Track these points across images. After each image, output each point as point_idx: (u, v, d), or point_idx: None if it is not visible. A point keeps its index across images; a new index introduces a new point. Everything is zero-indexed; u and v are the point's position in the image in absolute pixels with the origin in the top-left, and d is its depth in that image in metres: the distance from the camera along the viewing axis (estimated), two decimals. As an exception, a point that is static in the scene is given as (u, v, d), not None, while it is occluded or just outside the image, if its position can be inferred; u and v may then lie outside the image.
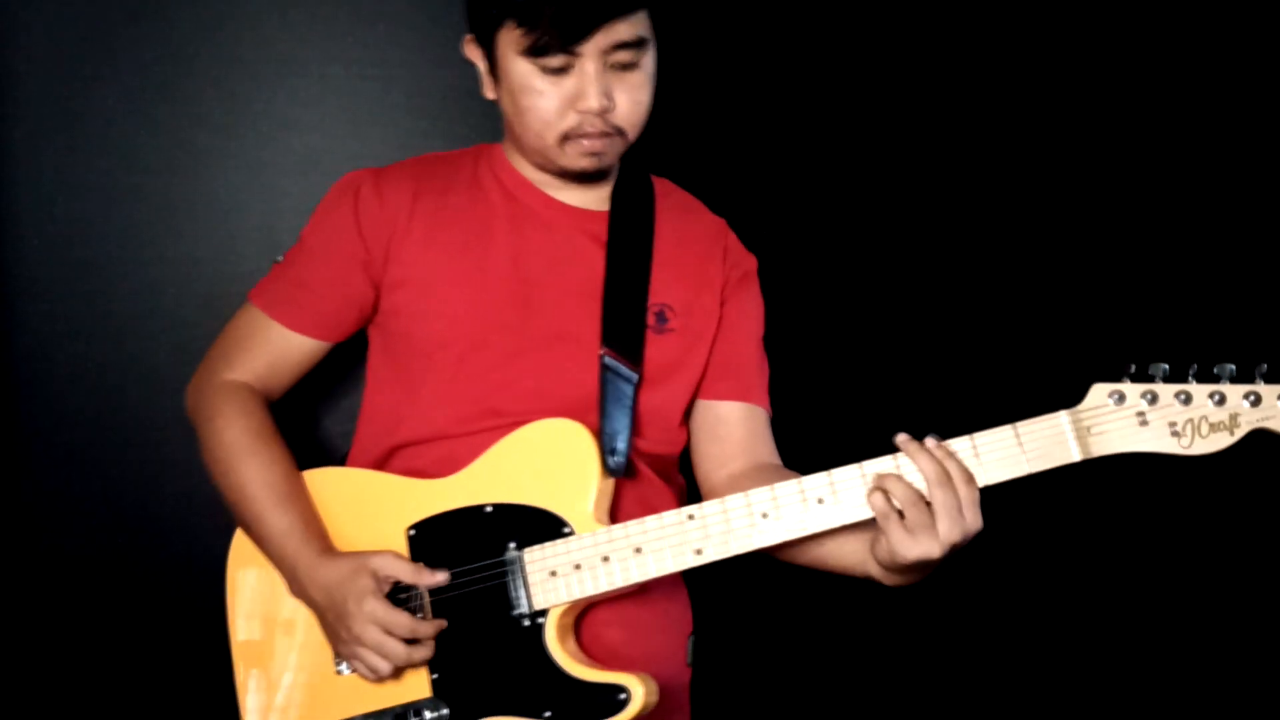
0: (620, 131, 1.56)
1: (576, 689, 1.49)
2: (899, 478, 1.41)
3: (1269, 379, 1.36)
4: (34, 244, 1.89)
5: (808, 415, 1.79)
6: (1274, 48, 2.06)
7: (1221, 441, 1.36)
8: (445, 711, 1.52)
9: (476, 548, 1.54)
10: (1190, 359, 1.37)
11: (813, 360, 2.01)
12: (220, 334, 1.69)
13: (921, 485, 1.41)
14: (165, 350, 1.89)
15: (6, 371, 1.89)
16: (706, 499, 1.55)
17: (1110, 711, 2.10)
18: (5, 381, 1.89)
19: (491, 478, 1.55)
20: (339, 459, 1.69)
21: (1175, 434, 1.37)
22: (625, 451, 1.56)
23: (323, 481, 1.62)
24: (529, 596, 1.51)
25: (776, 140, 2.08)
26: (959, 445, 1.42)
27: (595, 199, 1.67)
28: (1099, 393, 1.39)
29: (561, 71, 1.51)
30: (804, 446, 1.67)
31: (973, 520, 1.40)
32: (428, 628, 1.51)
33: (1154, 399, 1.37)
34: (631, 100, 1.55)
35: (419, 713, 1.53)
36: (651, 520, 1.49)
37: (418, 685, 1.54)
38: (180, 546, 1.89)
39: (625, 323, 1.62)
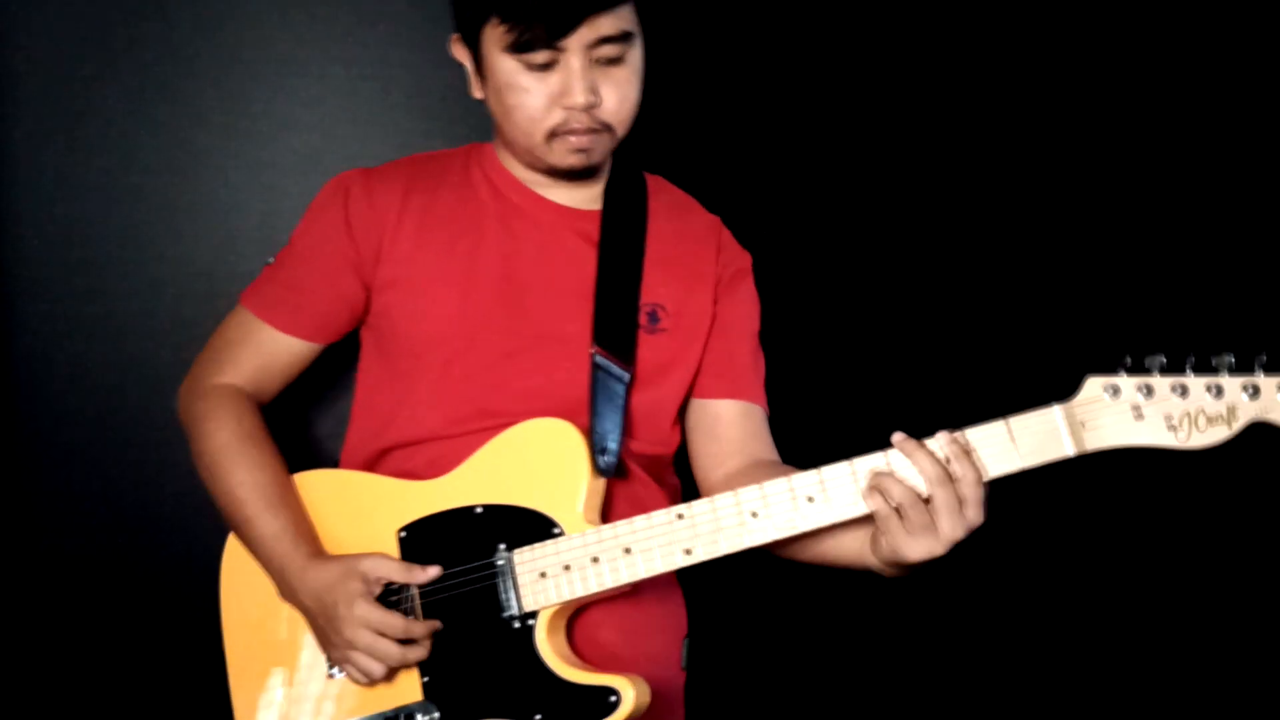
0: (608, 127, 1.55)
1: (567, 691, 1.48)
2: (895, 478, 1.39)
3: (1268, 370, 1.33)
4: (34, 244, 1.90)
5: (802, 411, 1.78)
6: (1248, 35, 2.06)
7: (1219, 435, 1.33)
8: (436, 715, 1.51)
9: (467, 549, 1.53)
10: (1187, 350, 1.35)
11: (806, 356, 2.00)
12: (211, 337, 1.69)
13: (917, 482, 1.39)
14: (165, 350, 1.89)
15: (6, 371, 1.90)
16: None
17: (1109, 707, 2.09)
18: (5, 381, 1.90)
19: (482, 478, 1.54)
20: (330, 461, 1.69)
21: (1172, 427, 1.34)
22: (616, 451, 1.55)
23: (314, 484, 1.62)
24: (519, 598, 1.50)
25: (771, 137, 2.07)
26: (932, 441, 1.40)
27: (587, 198, 1.66)
28: (1093, 385, 1.37)
29: (547, 68, 1.50)
30: (799, 442, 1.66)
31: (975, 517, 1.38)
32: (422, 628, 1.51)
33: (1150, 391, 1.35)
34: (618, 95, 1.53)
35: (410, 716, 1.53)
36: (640, 520, 1.48)
37: (409, 688, 1.53)
38: (180, 546, 1.89)
39: (617, 322, 1.61)
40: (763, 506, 1.44)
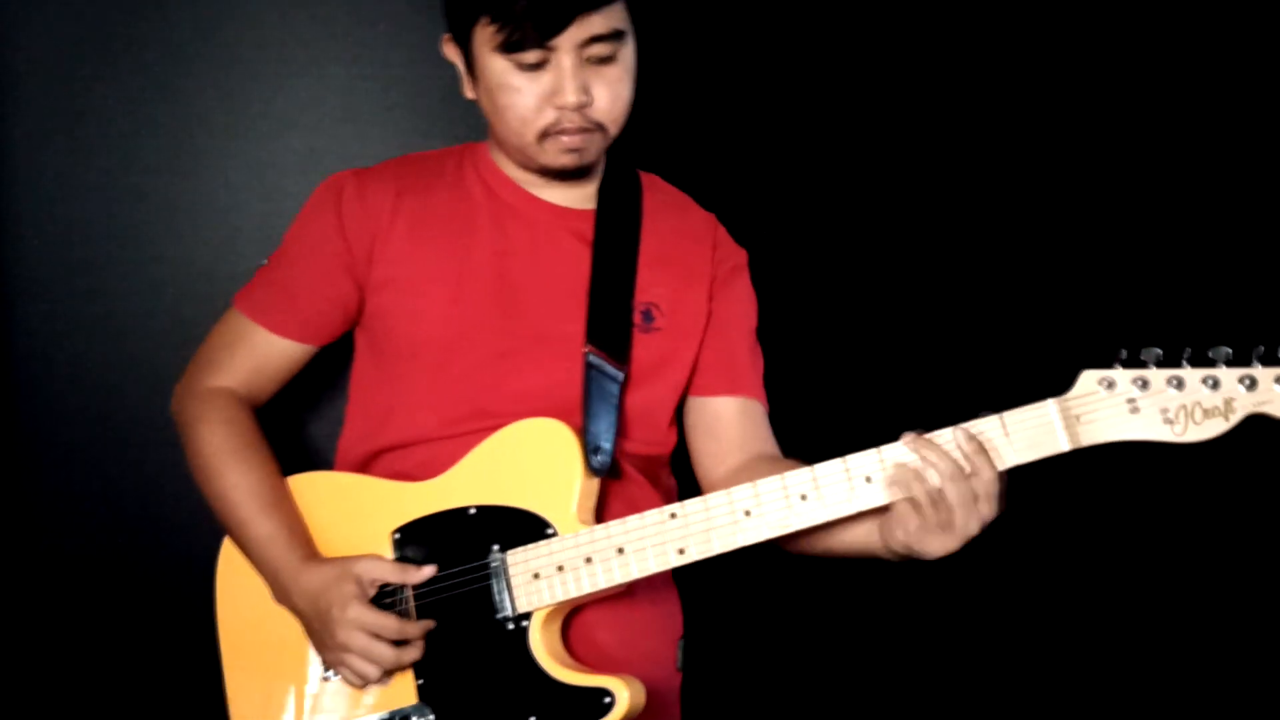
0: (600, 127, 1.54)
1: (561, 692, 1.47)
2: (918, 474, 1.38)
3: (1265, 362, 1.30)
4: (34, 244, 1.90)
5: (799, 407, 1.77)
6: (1241, 33, 2.05)
7: (1216, 428, 1.32)
8: (431, 717, 1.51)
9: (461, 550, 1.52)
10: (1184, 343, 1.33)
11: (802, 352, 1.99)
12: (205, 339, 1.69)
13: (931, 478, 1.38)
14: (165, 350, 1.88)
15: (6, 371, 1.90)
16: None
17: (1108, 703, 2.08)
18: (5, 381, 1.90)
19: (475, 479, 1.54)
20: (325, 463, 1.69)
21: (1168, 421, 1.33)
22: (610, 451, 1.54)
23: (308, 486, 1.61)
24: (512, 599, 1.49)
25: (766, 134, 2.06)
26: (943, 437, 1.39)
27: (581, 197, 1.65)
28: (1088, 379, 1.35)
29: (538, 67, 1.49)
30: (796, 439, 1.65)
31: (989, 511, 1.38)
32: (416, 629, 1.50)
33: (1146, 385, 1.33)
34: (610, 94, 1.52)
35: (405, 718, 1.52)
36: (634, 520, 1.47)
37: (403, 691, 1.52)
38: (180, 546, 1.88)
39: (611, 321, 1.60)
40: (756, 505, 1.43)
